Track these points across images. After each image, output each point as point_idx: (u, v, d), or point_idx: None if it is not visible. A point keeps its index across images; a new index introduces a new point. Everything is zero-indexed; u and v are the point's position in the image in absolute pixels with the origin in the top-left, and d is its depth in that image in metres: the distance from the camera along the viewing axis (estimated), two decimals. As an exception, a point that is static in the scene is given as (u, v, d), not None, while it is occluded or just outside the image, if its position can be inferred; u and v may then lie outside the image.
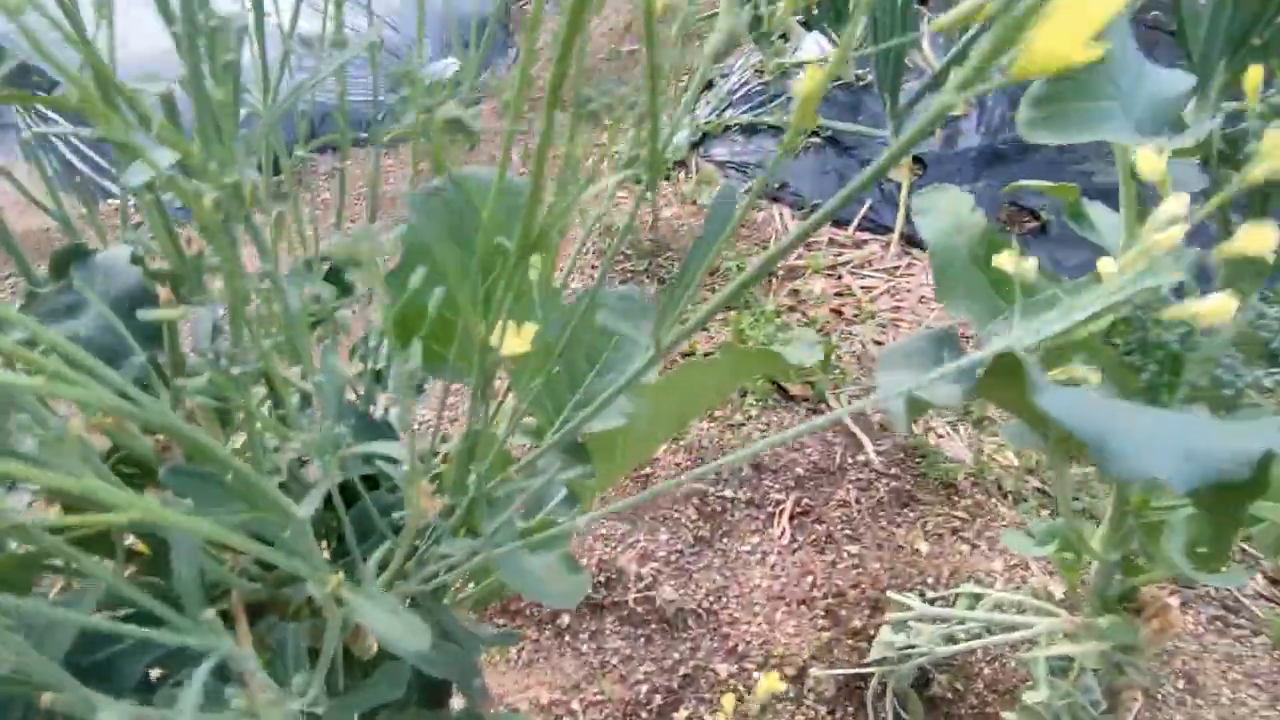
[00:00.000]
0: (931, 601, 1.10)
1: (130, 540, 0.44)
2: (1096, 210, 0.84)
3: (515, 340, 0.36)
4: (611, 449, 0.56)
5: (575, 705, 1.01)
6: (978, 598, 1.04)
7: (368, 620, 0.32)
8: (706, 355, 1.57)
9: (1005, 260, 0.41)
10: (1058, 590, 1.19)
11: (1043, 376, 0.41)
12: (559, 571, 0.49)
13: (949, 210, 0.78)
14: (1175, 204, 0.31)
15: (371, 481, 0.54)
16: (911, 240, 1.91)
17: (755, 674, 1.07)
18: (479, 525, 0.43)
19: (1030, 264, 0.39)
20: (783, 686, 0.73)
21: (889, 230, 1.94)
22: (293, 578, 0.48)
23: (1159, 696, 1.10)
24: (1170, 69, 0.70)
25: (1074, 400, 0.41)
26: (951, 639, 1.00)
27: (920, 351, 0.64)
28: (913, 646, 0.99)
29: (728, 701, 0.73)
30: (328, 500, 0.44)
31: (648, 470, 1.29)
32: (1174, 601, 0.89)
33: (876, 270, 1.89)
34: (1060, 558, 0.88)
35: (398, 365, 0.36)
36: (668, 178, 2.12)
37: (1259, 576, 1.34)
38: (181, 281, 0.44)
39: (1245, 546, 1.32)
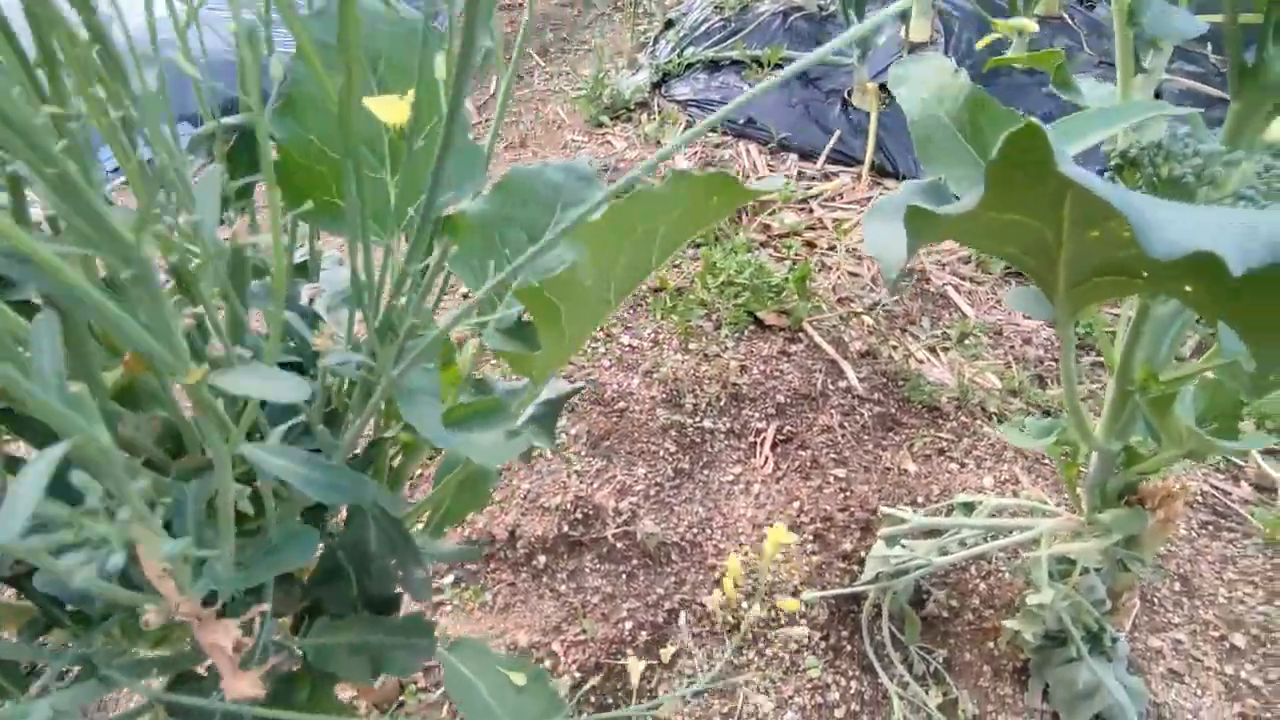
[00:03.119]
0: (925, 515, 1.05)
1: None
2: (1084, 80, 0.79)
3: (395, 108, 0.30)
4: (555, 315, 0.49)
5: (556, 647, 0.95)
6: (971, 507, 1.00)
7: (243, 388, 0.25)
8: (664, 288, 1.50)
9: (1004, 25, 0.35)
10: (1051, 502, 1.16)
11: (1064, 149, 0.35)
12: (498, 441, 0.43)
13: (930, 78, 0.72)
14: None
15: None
16: (882, 171, 1.86)
17: (744, 604, 1.02)
18: (383, 359, 0.37)
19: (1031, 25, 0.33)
20: (794, 538, 0.67)
21: (858, 162, 1.88)
22: (184, 445, 0.41)
23: (1155, 600, 1.07)
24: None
25: (1105, 182, 0.35)
26: (945, 552, 0.96)
27: (911, 200, 0.58)
28: (908, 561, 0.94)
29: (733, 563, 0.67)
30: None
31: (622, 404, 1.22)
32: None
33: (848, 202, 1.83)
34: (1057, 451, 0.84)
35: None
36: (629, 119, 2.04)
37: (1244, 484, 1.32)
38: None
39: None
